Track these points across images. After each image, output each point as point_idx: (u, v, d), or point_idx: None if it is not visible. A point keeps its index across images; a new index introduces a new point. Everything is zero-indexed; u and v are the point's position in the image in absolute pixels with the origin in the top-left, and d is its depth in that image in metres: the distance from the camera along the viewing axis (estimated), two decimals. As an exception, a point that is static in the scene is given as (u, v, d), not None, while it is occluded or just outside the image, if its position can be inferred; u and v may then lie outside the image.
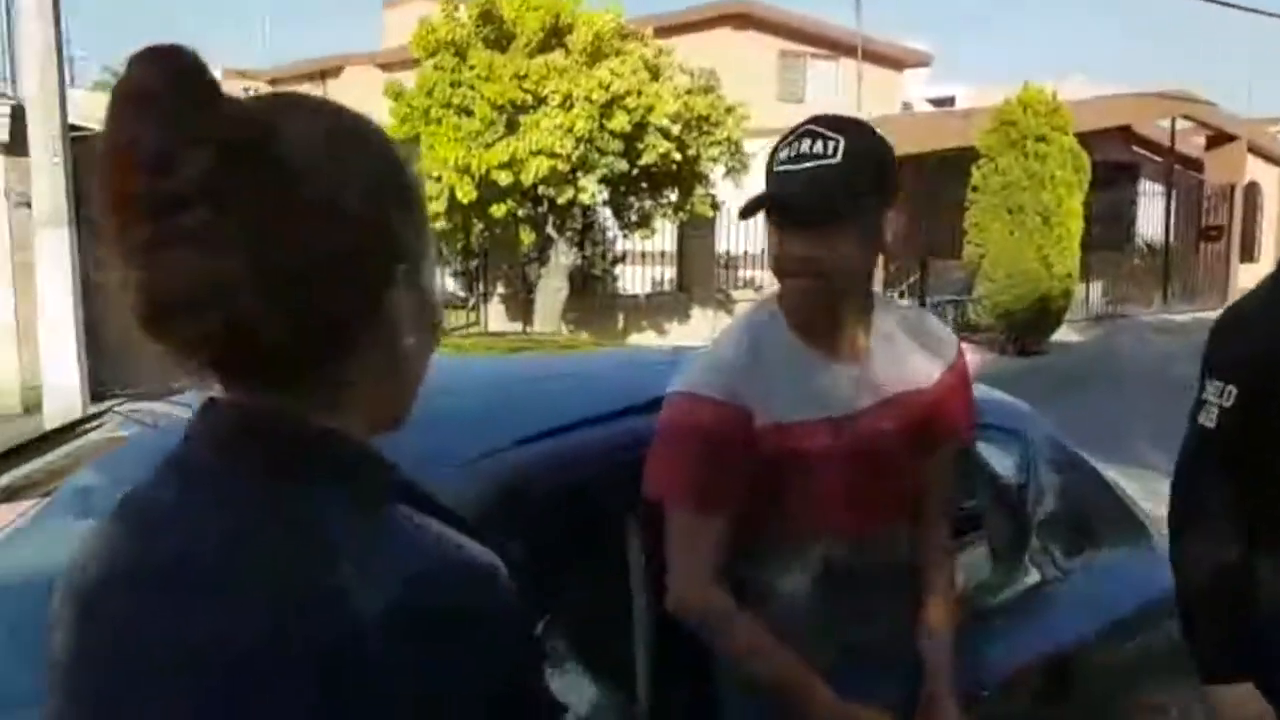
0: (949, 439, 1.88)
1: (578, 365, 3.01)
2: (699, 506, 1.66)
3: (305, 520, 0.75)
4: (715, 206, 13.07)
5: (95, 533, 0.83)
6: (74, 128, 17.01)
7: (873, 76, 26.04)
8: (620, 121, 10.79)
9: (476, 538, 0.82)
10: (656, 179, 12.04)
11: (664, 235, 14.19)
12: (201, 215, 0.70)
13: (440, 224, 11.13)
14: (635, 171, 11.56)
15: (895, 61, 28.26)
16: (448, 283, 17.59)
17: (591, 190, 11.13)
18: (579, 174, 10.92)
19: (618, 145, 11.02)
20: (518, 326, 12.69)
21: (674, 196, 12.57)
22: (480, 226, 11.37)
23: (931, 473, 1.87)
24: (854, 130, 1.65)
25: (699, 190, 12.50)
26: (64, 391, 8.30)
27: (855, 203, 1.61)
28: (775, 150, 1.66)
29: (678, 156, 11.54)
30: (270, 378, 0.78)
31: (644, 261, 15.33)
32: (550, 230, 11.84)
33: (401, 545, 0.76)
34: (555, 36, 11.24)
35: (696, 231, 14.41)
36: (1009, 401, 2.64)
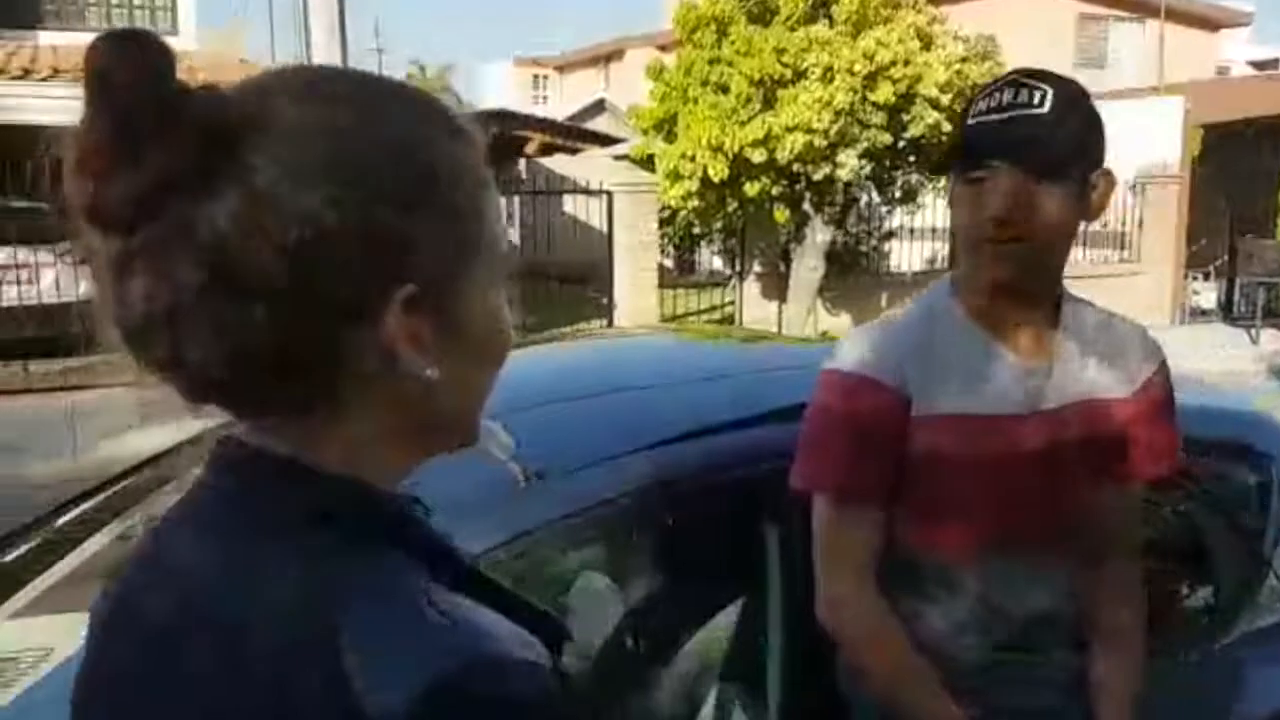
0: (1139, 469, 1.63)
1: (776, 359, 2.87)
2: (852, 499, 1.54)
3: (303, 591, 0.66)
4: (993, 180, 12.30)
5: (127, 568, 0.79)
6: None
7: (1183, 38, 23.99)
8: (885, 93, 10.33)
9: (524, 609, 0.74)
10: (924, 152, 11.46)
11: (937, 210, 13.55)
12: (155, 231, 0.63)
13: (693, 203, 11.11)
14: (901, 145, 11.05)
15: (1209, 22, 25.87)
16: (713, 260, 17.68)
17: (850, 166, 10.71)
18: (837, 149, 10.56)
19: (881, 118, 10.54)
20: (773, 306, 12.50)
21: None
22: (734, 205, 11.24)
23: (1117, 505, 1.62)
24: (1061, 83, 1.49)
25: (972, 164, 11.80)
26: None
27: (1053, 156, 1.44)
28: (972, 103, 1.51)
29: (948, 128, 10.92)
30: (256, 412, 0.72)
31: (913, 238, 14.71)
32: (807, 207, 11.54)
33: (418, 630, 0.65)
34: (820, 8, 10.89)
35: (970, 207, 13.66)
36: (1246, 412, 2.25)
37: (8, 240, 10.05)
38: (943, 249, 15.09)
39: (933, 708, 1.50)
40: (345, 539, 0.69)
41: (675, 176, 10.71)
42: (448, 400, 0.74)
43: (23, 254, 10.12)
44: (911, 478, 1.52)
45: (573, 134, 15.18)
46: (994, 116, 1.45)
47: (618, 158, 12.21)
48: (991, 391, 1.52)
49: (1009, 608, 1.56)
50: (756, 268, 13.12)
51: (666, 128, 11.26)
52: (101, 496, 2.37)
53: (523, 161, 17.06)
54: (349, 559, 0.68)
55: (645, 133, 11.59)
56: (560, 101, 25.99)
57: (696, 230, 15.04)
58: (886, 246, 14.86)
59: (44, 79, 9.75)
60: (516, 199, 14.56)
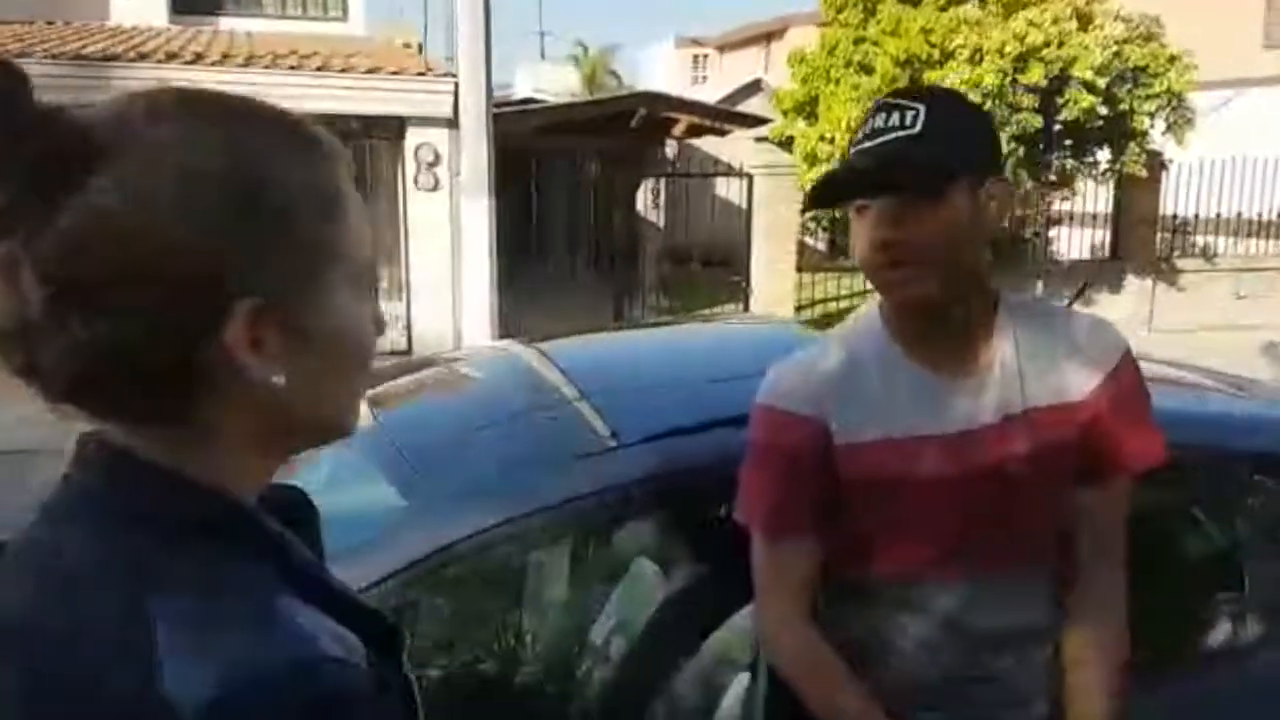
0: (1114, 467, 1.54)
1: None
2: (782, 533, 1.53)
3: (131, 589, 0.69)
4: (1161, 165, 11.76)
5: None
6: (529, 100, 18.58)
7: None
8: (1036, 75, 10.00)
9: (358, 611, 0.78)
10: (1079, 136, 11.02)
11: (1097, 196, 12.95)
12: (9, 245, 0.67)
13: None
14: (1058, 128, 10.65)
15: None
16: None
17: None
18: (983, 133, 10.26)
19: (1032, 101, 10.20)
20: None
21: (1102, 154, 11.44)
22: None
23: (1092, 510, 1.55)
24: (938, 99, 1.47)
25: (1132, 148, 11.28)
26: (480, 339, 9.29)
27: (934, 174, 1.40)
28: (854, 133, 1.50)
29: (1104, 111, 10.49)
30: (114, 418, 0.75)
31: (1073, 224, 14.06)
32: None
33: (227, 630, 0.68)
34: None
35: (1133, 192, 12.98)
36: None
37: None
38: (1104, 236, 14.44)
39: None
40: (193, 544, 0.72)
41: (813, 159, 10.61)
42: (304, 403, 0.77)
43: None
44: (851, 504, 1.51)
45: (720, 115, 15.11)
46: (868, 144, 1.44)
47: (759, 140, 12.13)
48: (918, 413, 1.49)
49: (971, 624, 1.53)
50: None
51: (808, 110, 11.16)
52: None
53: (673, 144, 17.17)
54: (195, 562, 0.71)
55: (785, 115, 11.51)
56: (720, 82, 25.90)
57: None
58: (1052, 232, 14.24)
59: (214, 63, 10.33)
60: (662, 181, 14.73)
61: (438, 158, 10.32)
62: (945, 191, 1.40)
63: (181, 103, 0.74)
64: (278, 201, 0.73)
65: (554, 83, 23.51)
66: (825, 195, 1.55)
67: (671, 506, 1.93)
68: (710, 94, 21.27)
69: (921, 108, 1.41)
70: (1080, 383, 1.52)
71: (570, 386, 2.16)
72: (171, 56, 10.27)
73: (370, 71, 10.48)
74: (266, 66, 10.35)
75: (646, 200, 15.39)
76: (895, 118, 1.42)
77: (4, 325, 0.69)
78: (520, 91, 22.03)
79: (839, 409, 1.49)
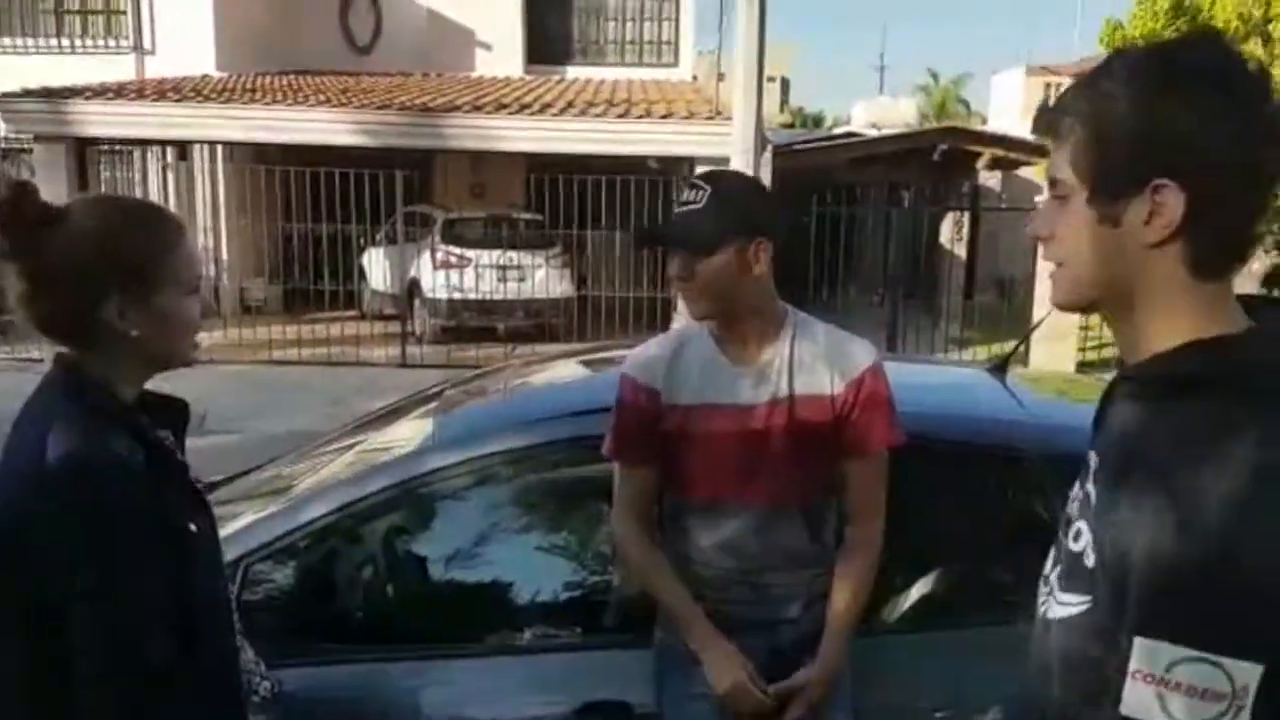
0: (854, 447, 2.08)
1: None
2: (625, 463, 2.15)
3: (43, 424, 1.41)
4: None
5: None
6: (849, 134, 18.83)
7: None
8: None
9: (158, 452, 1.48)
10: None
11: None
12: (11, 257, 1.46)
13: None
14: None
15: None
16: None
17: None
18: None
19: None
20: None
21: None
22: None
23: (851, 478, 2.10)
24: (725, 181, 2.14)
25: None
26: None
27: (704, 238, 2.00)
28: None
29: None
30: (65, 343, 1.49)
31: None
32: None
33: (69, 441, 1.37)
34: (1258, 27, 10.24)
35: None
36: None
37: (510, 245, 12.62)
38: None
39: (678, 610, 2.08)
40: (80, 404, 1.43)
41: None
42: (151, 346, 1.49)
43: (518, 257, 12.65)
44: (671, 448, 2.07)
45: (1019, 146, 15.05)
46: (677, 209, 2.07)
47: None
48: (716, 389, 2.04)
49: (747, 542, 2.06)
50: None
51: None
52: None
53: (996, 175, 17.16)
54: (73, 413, 1.41)
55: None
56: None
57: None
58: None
59: (579, 112, 11.98)
60: (965, 215, 14.98)
61: (721, 192, 11.19)
62: (717, 251, 1.98)
63: (91, 204, 1.55)
64: (134, 255, 1.48)
65: (890, 116, 23.76)
66: (641, 239, 2.24)
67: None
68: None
69: (709, 189, 2.01)
70: (834, 382, 2.06)
71: None
72: (502, 107, 12.03)
73: (664, 117, 11.83)
74: (578, 114, 11.97)
75: (952, 232, 15.52)
76: (691, 194, 2.02)
77: (14, 300, 1.46)
78: (857, 125, 22.49)
79: (667, 380, 2.08)
